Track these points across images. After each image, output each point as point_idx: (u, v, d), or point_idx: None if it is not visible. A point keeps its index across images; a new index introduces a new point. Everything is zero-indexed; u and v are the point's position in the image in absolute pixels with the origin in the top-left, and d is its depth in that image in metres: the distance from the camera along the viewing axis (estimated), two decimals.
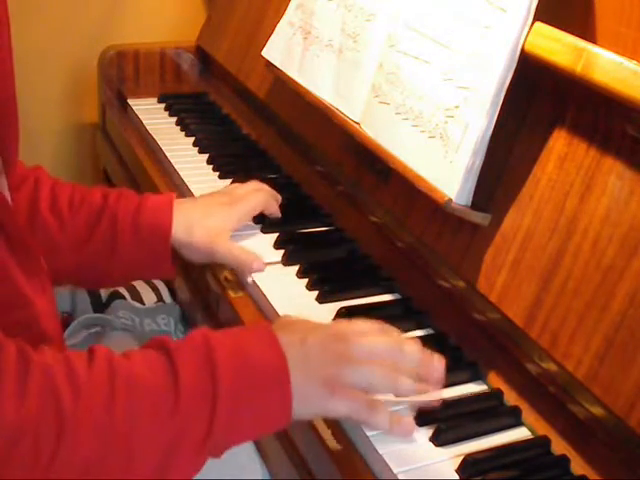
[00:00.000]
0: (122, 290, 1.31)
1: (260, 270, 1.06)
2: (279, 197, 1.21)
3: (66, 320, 1.20)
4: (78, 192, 1.10)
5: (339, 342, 0.79)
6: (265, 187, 1.19)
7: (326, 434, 0.82)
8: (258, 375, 0.74)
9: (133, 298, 1.30)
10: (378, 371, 0.79)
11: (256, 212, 1.16)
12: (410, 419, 0.81)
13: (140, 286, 1.34)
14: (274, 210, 1.18)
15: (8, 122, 0.85)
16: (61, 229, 1.06)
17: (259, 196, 1.17)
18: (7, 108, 0.85)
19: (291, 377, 0.75)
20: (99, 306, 1.28)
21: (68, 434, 0.66)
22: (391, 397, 0.82)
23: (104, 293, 1.30)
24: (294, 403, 0.75)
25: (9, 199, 0.86)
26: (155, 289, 1.34)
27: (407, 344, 0.82)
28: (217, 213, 1.11)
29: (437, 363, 0.82)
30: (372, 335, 0.81)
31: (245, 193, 1.16)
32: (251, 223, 1.17)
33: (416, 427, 0.82)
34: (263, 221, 1.18)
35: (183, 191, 1.30)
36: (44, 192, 1.08)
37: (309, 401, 0.76)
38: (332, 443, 0.82)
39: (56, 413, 0.66)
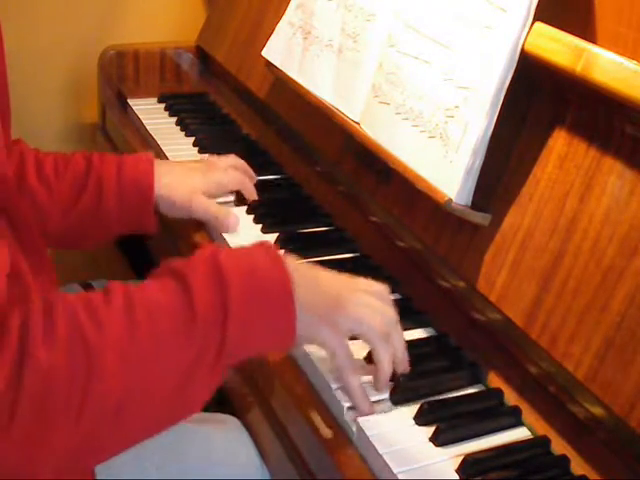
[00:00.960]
0: None
1: (234, 226, 1.14)
2: (254, 176, 1.28)
3: None
4: (61, 159, 1.16)
5: (345, 289, 0.84)
6: (242, 165, 1.27)
7: (326, 433, 0.82)
8: (265, 294, 0.77)
9: None
10: (376, 325, 0.83)
11: (230, 188, 1.23)
12: (372, 404, 0.84)
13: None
14: (250, 191, 1.24)
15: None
16: (49, 195, 1.12)
17: (236, 175, 1.24)
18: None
19: (296, 294, 0.78)
20: None
21: (97, 367, 0.68)
22: None
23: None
24: (297, 322, 0.78)
25: (12, 184, 0.87)
26: None
27: (400, 327, 0.87)
28: (195, 175, 1.20)
29: (405, 367, 0.87)
30: (375, 301, 0.86)
31: (223, 167, 1.23)
32: (251, 223, 1.18)
33: (416, 427, 0.82)
34: (263, 221, 1.18)
35: None
36: (29, 162, 1.13)
37: (308, 321, 0.80)
38: (326, 432, 0.82)
39: (84, 350, 0.68)
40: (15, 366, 0.65)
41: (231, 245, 1.11)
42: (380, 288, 0.88)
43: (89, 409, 0.68)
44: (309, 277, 0.83)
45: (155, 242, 1.36)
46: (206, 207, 1.16)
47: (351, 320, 0.83)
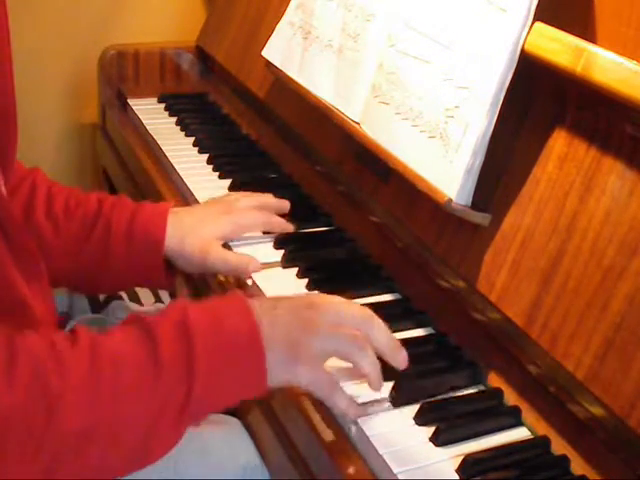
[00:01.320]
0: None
1: (257, 271, 1.05)
2: (286, 205, 1.17)
3: (63, 320, 1.20)
4: (74, 197, 1.10)
5: (308, 309, 0.81)
6: (270, 203, 1.17)
7: (326, 434, 0.82)
8: (232, 346, 0.76)
9: (131, 299, 1.30)
10: (344, 337, 0.80)
11: (253, 231, 1.14)
12: (363, 407, 0.83)
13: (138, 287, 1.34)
14: (278, 228, 1.15)
15: (7, 119, 0.85)
16: (56, 233, 1.07)
17: (259, 217, 1.14)
18: (6, 105, 0.85)
19: (265, 345, 0.76)
20: (97, 307, 1.28)
21: (57, 414, 0.68)
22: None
23: (101, 295, 1.30)
24: (268, 373, 0.77)
25: (4, 194, 0.86)
26: (154, 290, 1.34)
27: (378, 320, 0.83)
28: (211, 222, 1.10)
29: (403, 357, 0.84)
30: (344, 305, 0.83)
31: (246, 208, 1.14)
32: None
33: (416, 427, 0.82)
34: None
35: (183, 191, 1.30)
36: (40, 196, 1.08)
37: (277, 367, 0.78)
38: (326, 432, 0.82)
39: (44, 395, 0.68)
40: None
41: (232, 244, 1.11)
42: (341, 298, 0.85)
43: (47, 449, 0.68)
44: (277, 320, 0.79)
45: None
46: (223, 260, 1.06)
47: (325, 345, 0.80)
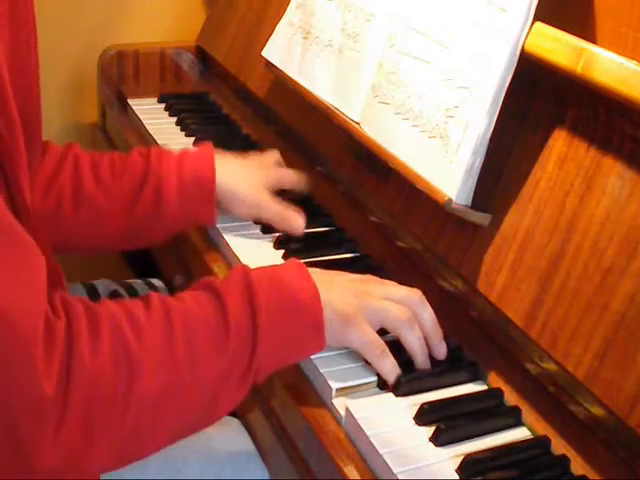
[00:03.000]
0: (121, 290, 1.31)
1: (299, 229, 1.12)
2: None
3: None
4: (118, 159, 1.13)
5: (363, 283, 0.89)
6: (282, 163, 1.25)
7: (326, 434, 0.82)
8: (293, 306, 0.81)
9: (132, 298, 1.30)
10: (395, 309, 0.87)
11: (287, 186, 1.20)
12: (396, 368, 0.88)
13: (139, 285, 1.34)
14: (298, 184, 1.22)
15: (32, 128, 0.87)
16: (107, 199, 1.09)
17: (291, 172, 1.22)
18: (32, 113, 0.87)
19: (323, 308, 0.82)
20: None
21: (137, 373, 0.71)
22: None
23: (103, 292, 1.30)
24: (326, 333, 0.82)
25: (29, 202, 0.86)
26: (154, 289, 1.34)
27: (429, 305, 0.90)
28: (255, 171, 1.17)
29: (444, 348, 0.91)
30: (397, 285, 0.91)
31: (273, 163, 1.23)
32: (251, 223, 1.17)
33: (416, 427, 0.82)
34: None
35: None
36: (85, 167, 1.11)
37: (332, 327, 0.83)
38: (326, 432, 0.82)
39: (125, 356, 0.71)
40: (63, 372, 0.68)
41: (229, 241, 1.12)
42: (390, 285, 0.91)
43: (130, 412, 0.71)
44: (333, 286, 0.86)
45: None
46: (276, 209, 1.13)
47: (377, 313, 0.86)
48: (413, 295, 0.89)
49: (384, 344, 0.86)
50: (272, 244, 1.13)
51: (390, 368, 0.86)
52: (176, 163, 1.11)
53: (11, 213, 0.71)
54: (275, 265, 0.86)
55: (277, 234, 1.15)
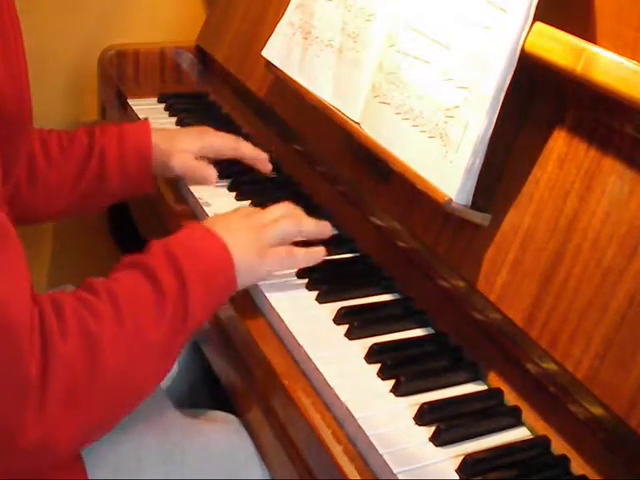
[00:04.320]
0: None
1: (213, 179, 1.23)
2: (265, 159, 1.31)
3: None
4: (65, 137, 1.23)
5: (249, 219, 1.02)
6: (236, 137, 1.32)
7: (326, 434, 0.82)
8: (210, 264, 0.93)
9: None
10: (286, 222, 1.03)
11: (222, 152, 1.29)
12: (320, 248, 1.05)
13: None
14: (251, 155, 1.30)
15: (23, 124, 0.92)
16: (58, 175, 1.20)
17: (228, 139, 1.30)
18: (23, 109, 0.91)
19: (233, 256, 0.94)
20: None
21: (101, 349, 0.80)
22: None
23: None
24: (238, 276, 0.95)
25: None
26: None
27: (293, 206, 1.07)
28: (187, 137, 1.28)
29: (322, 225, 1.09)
30: (275, 205, 1.07)
31: (216, 132, 1.31)
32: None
33: (416, 427, 0.82)
34: None
35: (183, 191, 1.30)
36: (36, 147, 1.20)
37: (246, 266, 0.96)
38: (326, 432, 0.82)
39: (89, 336, 0.79)
40: (43, 354, 0.76)
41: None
42: (271, 208, 1.06)
43: (101, 385, 0.80)
44: (234, 231, 0.98)
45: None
46: (186, 164, 1.24)
47: (276, 237, 1.01)
48: (284, 205, 1.06)
49: (286, 248, 1.02)
50: None
51: (304, 257, 1.03)
52: (117, 139, 1.23)
53: None
54: (182, 234, 0.96)
55: None
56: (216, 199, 1.25)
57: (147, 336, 0.84)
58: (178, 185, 1.31)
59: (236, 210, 1.06)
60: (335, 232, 1.13)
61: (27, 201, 1.18)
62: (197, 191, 1.27)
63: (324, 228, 1.09)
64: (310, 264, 1.04)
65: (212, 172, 1.24)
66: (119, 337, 0.82)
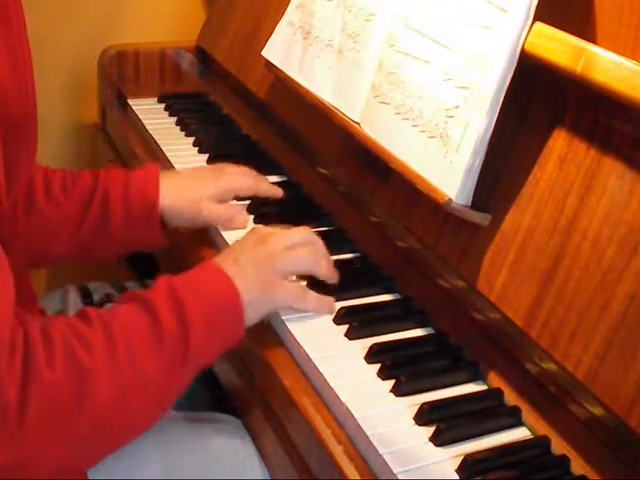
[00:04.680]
0: (115, 293, 1.31)
1: (244, 223, 1.15)
2: (279, 192, 1.24)
3: None
4: (69, 175, 1.16)
5: (261, 245, 0.96)
6: (253, 173, 1.24)
7: (326, 434, 0.82)
8: (215, 305, 0.88)
9: None
10: (303, 254, 0.98)
11: (241, 193, 1.21)
12: (331, 299, 0.99)
13: (134, 288, 1.34)
14: (269, 191, 1.23)
15: (28, 131, 0.91)
16: (58, 214, 1.13)
17: (246, 179, 1.22)
18: (28, 117, 0.90)
19: (243, 302, 0.89)
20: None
21: (89, 382, 0.77)
22: None
23: (97, 295, 1.31)
24: (246, 313, 0.90)
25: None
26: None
27: (314, 235, 1.02)
28: (202, 181, 1.18)
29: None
30: (287, 231, 1.00)
31: (232, 172, 1.22)
32: (251, 223, 1.18)
33: (416, 427, 0.82)
34: (262, 221, 1.18)
35: None
36: (38, 180, 1.13)
37: (256, 307, 0.92)
38: (326, 432, 0.82)
39: (77, 367, 0.77)
40: (23, 380, 0.73)
41: (230, 242, 1.11)
42: (283, 234, 0.99)
43: (85, 419, 0.77)
44: (242, 267, 0.92)
45: None
46: (217, 212, 1.15)
47: (286, 268, 0.96)
48: (305, 233, 1.01)
49: (300, 285, 0.98)
50: None
51: (314, 303, 0.97)
52: (122, 182, 1.14)
53: None
54: (192, 271, 0.92)
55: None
56: None
57: (143, 372, 0.81)
58: None
59: (252, 232, 0.99)
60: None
61: (25, 237, 1.11)
62: None
63: (334, 276, 1.02)
64: (317, 312, 0.97)
65: (244, 217, 1.17)
66: (111, 369, 0.79)
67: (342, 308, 0.99)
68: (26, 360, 0.74)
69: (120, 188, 1.14)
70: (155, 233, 1.15)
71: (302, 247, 0.98)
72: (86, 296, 1.29)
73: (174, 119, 1.56)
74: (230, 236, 1.13)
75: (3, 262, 0.77)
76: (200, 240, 1.17)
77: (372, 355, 0.91)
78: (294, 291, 0.96)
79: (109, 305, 1.26)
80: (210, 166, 1.28)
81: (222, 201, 1.18)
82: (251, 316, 0.91)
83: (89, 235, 1.14)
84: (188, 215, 1.15)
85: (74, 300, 1.28)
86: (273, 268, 0.94)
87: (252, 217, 1.19)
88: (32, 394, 0.73)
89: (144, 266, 1.51)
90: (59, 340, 0.77)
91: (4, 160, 0.84)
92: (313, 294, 0.97)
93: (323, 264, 1.00)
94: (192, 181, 1.18)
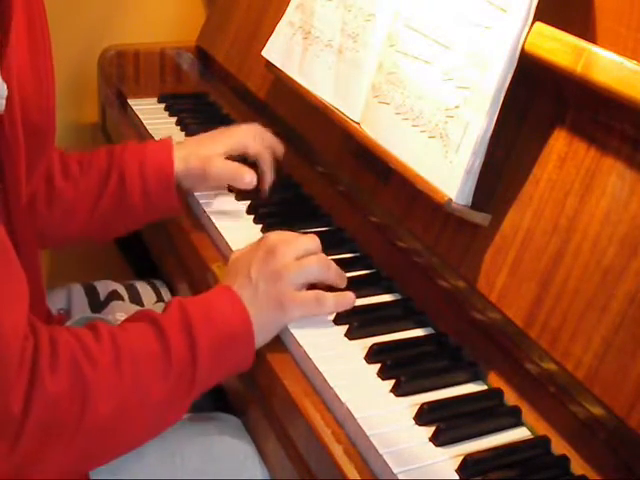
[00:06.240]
0: (120, 290, 1.31)
1: (252, 184, 1.18)
2: (280, 148, 1.29)
3: (62, 318, 1.20)
4: (86, 155, 1.20)
5: (269, 259, 0.94)
6: (268, 136, 1.28)
7: (326, 434, 0.82)
8: (225, 330, 0.88)
9: (132, 298, 1.30)
10: (312, 264, 0.96)
11: (251, 149, 1.24)
12: (350, 293, 0.98)
13: (140, 285, 1.34)
14: (274, 146, 1.27)
15: (47, 137, 0.94)
16: (75, 190, 1.16)
17: (249, 129, 1.27)
18: (47, 124, 0.94)
19: (252, 319, 0.89)
20: (96, 306, 1.28)
21: (90, 397, 0.77)
22: None
23: (102, 293, 1.30)
24: (257, 336, 0.90)
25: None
26: (155, 288, 1.34)
27: (319, 242, 1.00)
28: (208, 142, 1.23)
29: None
30: (295, 239, 0.98)
31: (236, 127, 1.29)
32: (251, 223, 1.18)
33: (416, 427, 0.82)
34: (262, 221, 1.18)
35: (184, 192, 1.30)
36: (55, 163, 1.16)
37: (269, 327, 0.92)
38: (326, 432, 0.82)
39: (81, 381, 0.77)
40: (28, 392, 0.74)
41: (229, 241, 1.12)
42: (290, 245, 0.97)
43: (82, 433, 0.78)
44: (252, 296, 0.91)
45: (153, 241, 1.36)
46: (223, 167, 1.19)
47: (299, 280, 0.94)
48: (312, 241, 0.99)
49: (314, 292, 0.95)
50: None
51: (333, 304, 0.95)
52: (138, 156, 1.17)
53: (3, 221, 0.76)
54: (205, 295, 0.92)
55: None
56: (213, 197, 1.25)
57: (146, 394, 0.82)
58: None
59: (257, 246, 0.97)
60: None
61: (44, 221, 1.14)
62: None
63: (344, 280, 1.01)
64: (339, 310, 0.97)
65: (252, 175, 1.19)
66: (114, 387, 0.79)
67: None
68: (32, 371, 0.74)
69: (137, 162, 1.17)
70: (172, 203, 1.18)
71: (311, 256, 0.98)
72: (91, 294, 1.30)
73: (174, 119, 1.56)
74: (226, 231, 1.14)
75: (18, 268, 0.77)
76: (191, 227, 1.21)
77: (372, 355, 0.91)
78: (310, 300, 0.95)
79: (115, 303, 1.26)
80: (220, 128, 1.30)
81: (233, 158, 1.21)
82: (262, 339, 0.92)
83: (107, 209, 1.16)
84: (199, 175, 1.19)
85: (79, 297, 1.28)
86: (286, 283, 0.93)
87: (252, 217, 1.20)
88: (33, 404, 0.74)
89: (136, 254, 1.53)
90: (66, 352, 0.77)
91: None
92: (330, 296, 0.96)
93: (332, 270, 0.99)
94: (202, 144, 1.22)
